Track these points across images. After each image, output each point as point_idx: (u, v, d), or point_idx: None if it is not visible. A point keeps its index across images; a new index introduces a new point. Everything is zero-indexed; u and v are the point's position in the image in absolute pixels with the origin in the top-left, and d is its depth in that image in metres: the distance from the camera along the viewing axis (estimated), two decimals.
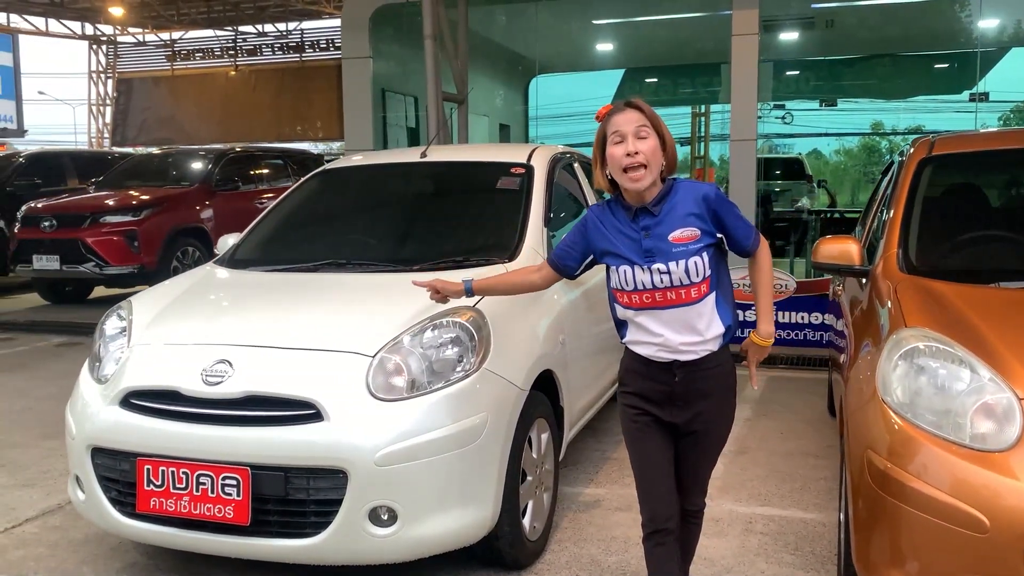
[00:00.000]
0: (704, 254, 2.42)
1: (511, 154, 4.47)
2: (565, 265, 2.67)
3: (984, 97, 12.66)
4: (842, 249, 3.50)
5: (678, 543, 2.62)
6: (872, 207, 4.86)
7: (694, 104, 14.39)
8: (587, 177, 4.93)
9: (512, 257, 3.70)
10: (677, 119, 15.53)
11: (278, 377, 2.96)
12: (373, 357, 2.98)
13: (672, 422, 2.54)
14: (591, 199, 4.81)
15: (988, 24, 10.81)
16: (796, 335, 6.97)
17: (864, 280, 3.49)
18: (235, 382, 2.96)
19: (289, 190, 4.60)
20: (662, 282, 2.41)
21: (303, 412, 2.89)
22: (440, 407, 2.92)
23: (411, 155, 4.63)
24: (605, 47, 13.14)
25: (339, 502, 2.83)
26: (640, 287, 2.44)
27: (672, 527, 2.56)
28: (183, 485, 2.93)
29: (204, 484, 2.90)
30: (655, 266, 2.40)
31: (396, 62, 10.11)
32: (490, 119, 12.66)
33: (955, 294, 2.88)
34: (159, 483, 2.95)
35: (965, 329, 2.63)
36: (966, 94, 12.37)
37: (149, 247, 9.41)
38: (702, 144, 15.82)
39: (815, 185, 15.57)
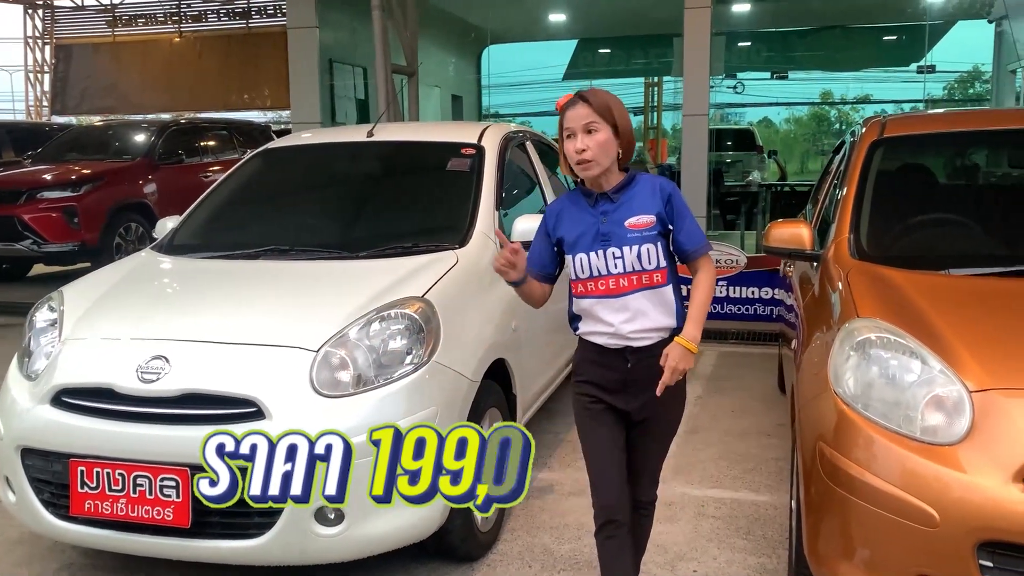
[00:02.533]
0: (658, 243, 2.46)
1: (461, 133, 4.35)
2: (546, 272, 2.61)
3: (931, 69, 12.82)
4: (793, 233, 3.47)
5: (630, 535, 2.60)
6: (823, 185, 4.86)
7: (647, 76, 14.31)
8: (539, 155, 4.85)
9: (463, 242, 3.61)
10: (631, 89, 15.47)
11: (217, 374, 2.85)
12: (317, 352, 2.88)
13: (625, 409, 2.55)
14: (543, 178, 4.73)
15: None
16: (746, 310, 7.00)
17: (815, 263, 3.47)
18: (172, 379, 2.84)
19: (230, 170, 4.44)
20: (616, 267, 2.45)
21: (244, 410, 2.78)
22: (388, 402, 2.84)
23: (357, 134, 4.49)
24: (558, 17, 12.97)
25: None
26: (596, 273, 2.47)
27: (624, 519, 2.56)
28: (119, 487, 2.81)
29: (142, 486, 2.79)
30: (610, 250, 2.45)
31: (344, 31, 9.85)
32: (442, 90, 12.46)
33: (906, 282, 2.86)
34: (94, 485, 2.83)
35: (916, 319, 2.61)
36: (914, 66, 12.52)
37: (90, 223, 9.10)
38: (655, 114, 15.80)
39: (765, 156, 15.66)
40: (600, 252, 2.45)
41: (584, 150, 2.40)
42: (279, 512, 2.75)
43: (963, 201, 3.48)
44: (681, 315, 2.52)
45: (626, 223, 2.44)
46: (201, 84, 22.52)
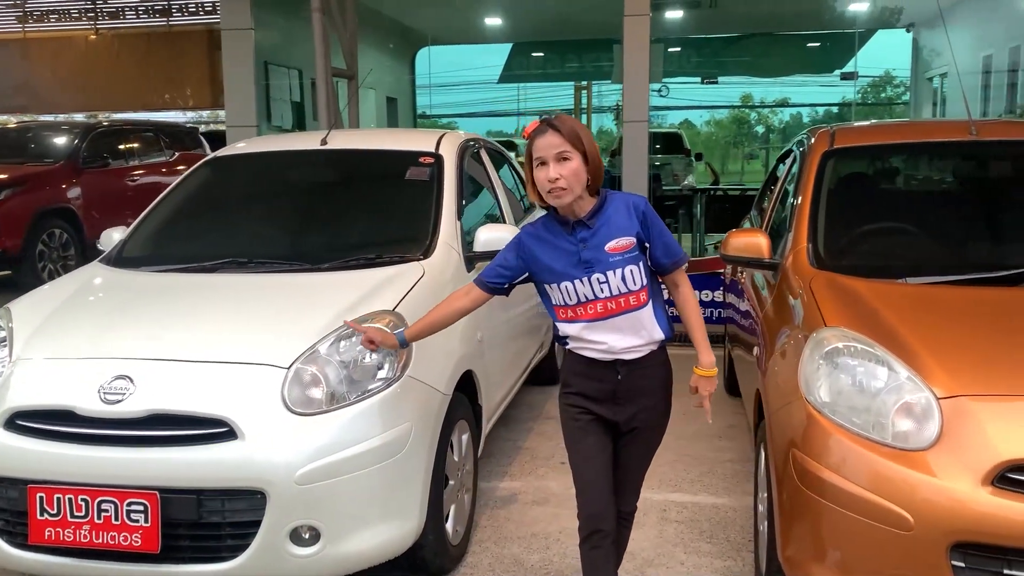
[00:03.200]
0: (640, 263, 2.48)
1: (417, 142, 4.32)
2: (497, 286, 2.64)
3: (853, 76, 13.28)
4: (752, 242, 3.55)
5: (614, 545, 2.64)
6: (770, 193, 4.98)
7: (581, 80, 14.44)
8: (494, 165, 4.85)
9: (427, 253, 3.58)
10: (564, 92, 15.61)
11: (185, 393, 2.76)
12: (288, 369, 2.83)
13: (614, 420, 2.59)
14: (499, 189, 4.73)
15: (858, 7, 11.27)
16: None
17: (773, 272, 3.56)
18: (137, 400, 2.75)
19: (178, 179, 4.30)
20: (602, 292, 2.46)
21: (215, 430, 2.71)
22: (362, 419, 2.80)
23: (310, 141, 4.41)
24: (492, 21, 12.99)
25: (258, 523, 2.68)
26: (583, 299, 2.48)
27: (610, 529, 2.59)
28: (83, 513, 2.70)
29: (107, 511, 2.69)
30: (594, 276, 2.45)
31: (279, 33, 9.67)
32: (377, 92, 12.34)
33: (867, 291, 2.96)
34: (55, 512, 2.72)
35: (881, 327, 2.71)
36: (838, 72, 12.94)
37: (11, 230, 8.71)
38: (584, 117, 15.95)
39: (693, 159, 15.98)
40: (585, 279, 2.45)
41: (557, 179, 2.38)
42: (253, 534, 2.69)
43: (913, 211, 3.61)
44: (667, 325, 2.56)
45: (607, 248, 2.44)
46: (119, 83, 21.76)
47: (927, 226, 3.46)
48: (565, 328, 2.55)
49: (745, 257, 3.57)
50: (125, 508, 2.68)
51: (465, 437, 3.44)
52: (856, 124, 4.48)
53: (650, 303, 2.50)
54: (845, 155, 3.80)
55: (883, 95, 16.69)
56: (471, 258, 3.79)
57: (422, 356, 3.04)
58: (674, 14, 10.58)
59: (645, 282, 2.48)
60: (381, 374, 2.91)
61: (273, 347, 2.89)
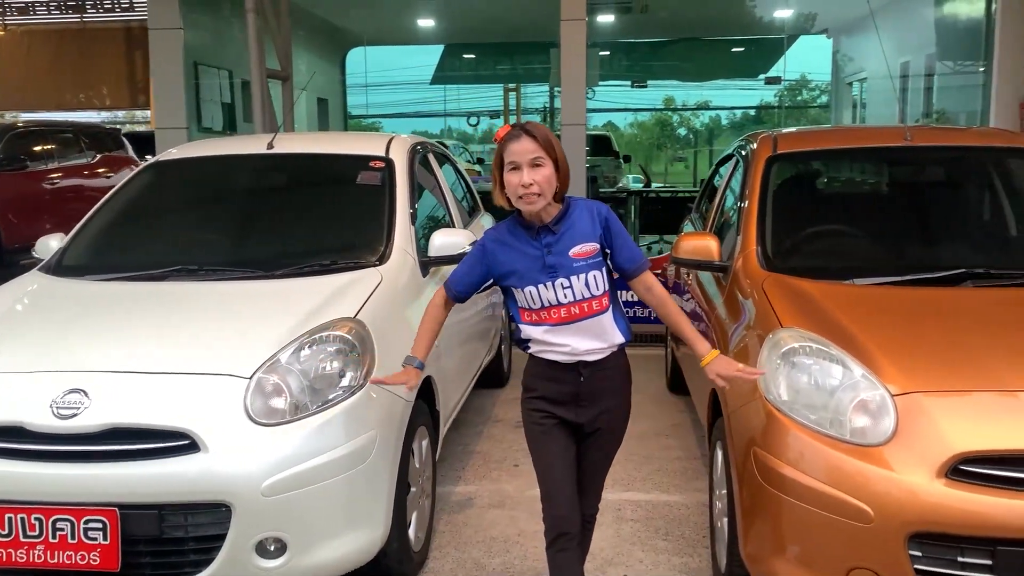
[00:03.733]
0: (602, 269, 2.54)
1: (366, 145, 4.29)
2: (464, 294, 2.67)
3: (777, 80, 13.68)
4: (703, 245, 3.64)
5: (580, 548, 2.67)
6: (711, 197, 5.10)
7: (514, 82, 14.51)
8: (441, 168, 4.84)
9: (383, 259, 3.56)
10: (494, 93, 15.66)
11: (144, 406, 2.69)
12: (250, 379, 2.78)
13: (577, 422, 2.62)
14: (447, 194, 4.73)
15: (782, 14, 11.62)
16: (629, 313, 7.24)
17: (723, 274, 3.65)
18: (93, 414, 2.66)
19: (119, 185, 4.18)
20: (566, 297, 2.50)
21: (176, 443, 2.64)
22: (328, 428, 2.77)
23: (256, 145, 4.33)
24: (423, 22, 12.94)
25: (222, 537, 2.63)
26: (547, 304, 2.51)
27: (576, 531, 2.62)
28: (36, 532, 2.61)
29: (62, 530, 2.60)
30: (558, 281, 2.49)
31: (209, 33, 9.45)
32: (307, 93, 12.16)
33: (818, 292, 3.07)
34: (6, 532, 2.62)
35: (834, 327, 2.81)
36: (762, 77, 13.31)
37: None
38: (513, 118, 16.02)
39: (621, 161, 16.20)
40: (549, 284, 2.49)
41: (531, 184, 2.41)
42: (217, 548, 2.64)
43: (855, 214, 3.76)
44: (626, 329, 2.61)
45: (571, 253, 2.48)
46: (30, 82, 20.86)
47: (869, 229, 3.60)
48: (529, 331, 2.57)
49: (696, 260, 3.65)
50: (82, 526, 2.60)
51: (425, 443, 3.44)
52: (797, 130, 4.63)
53: (611, 308, 2.55)
54: (788, 160, 3.93)
55: (799, 98, 17.18)
56: (426, 263, 3.79)
57: (385, 364, 3.02)
58: (606, 18, 10.73)
59: (607, 287, 2.54)
60: (344, 382, 2.89)
61: (233, 357, 2.84)
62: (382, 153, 4.11)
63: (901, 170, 3.94)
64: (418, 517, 3.32)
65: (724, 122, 19.05)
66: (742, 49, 13.54)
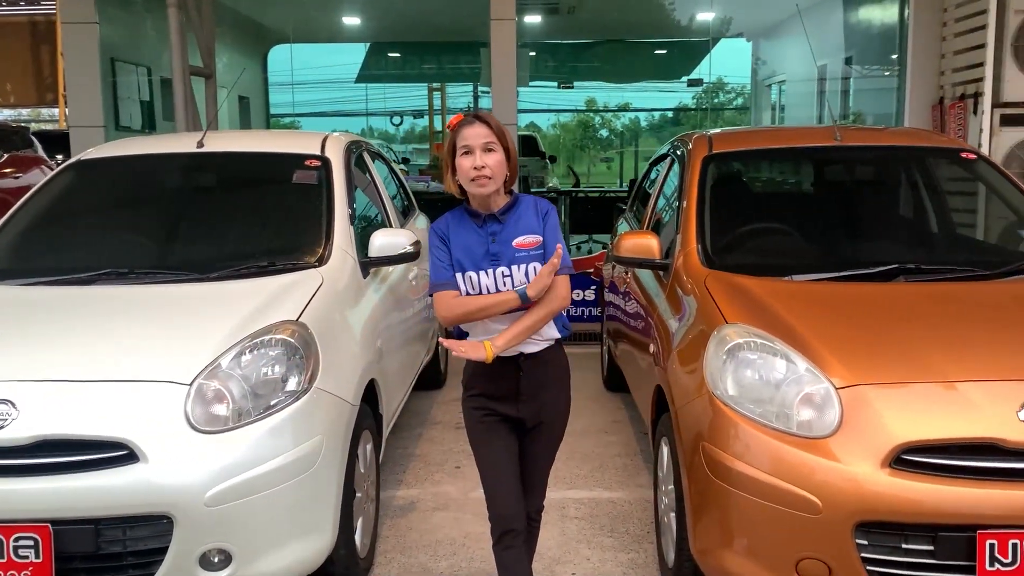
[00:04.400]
0: (543, 263, 2.54)
1: (301, 144, 4.19)
2: (453, 280, 2.58)
3: (699, 83, 13.94)
4: (643, 243, 3.67)
5: (526, 544, 2.67)
6: (645, 197, 5.16)
7: (440, 81, 14.44)
8: (375, 167, 4.77)
9: (323, 260, 3.48)
10: (415, 94, 15.54)
11: (79, 416, 2.57)
12: (190, 385, 2.68)
13: (519, 417, 2.63)
14: (383, 193, 4.67)
15: (705, 17, 11.86)
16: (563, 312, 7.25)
17: (664, 272, 3.69)
18: (22, 425, 2.53)
19: (38, 185, 3.98)
20: (504, 285, 2.52)
21: (113, 454, 2.53)
22: (273, 435, 2.69)
23: (185, 143, 4.19)
24: (348, 20, 12.76)
25: (164, 551, 2.53)
26: (484, 291, 2.53)
27: (521, 528, 2.62)
28: None
29: None
30: (499, 269, 2.52)
31: (126, 28, 9.11)
32: (228, 91, 11.85)
33: (759, 289, 3.13)
34: None
35: (777, 323, 2.86)
36: (685, 79, 13.55)
37: None
38: (439, 119, 15.93)
39: (547, 161, 16.29)
40: (490, 271, 2.52)
41: (483, 167, 2.45)
42: (158, 562, 2.54)
43: (790, 212, 3.85)
44: (563, 325, 2.66)
45: (514, 243, 2.52)
46: None
47: (804, 227, 3.69)
48: (467, 324, 2.58)
49: (637, 258, 3.68)
50: (12, 544, 2.46)
51: (369, 447, 3.38)
52: (730, 130, 4.72)
53: None
54: (724, 159, 3.99)
55: (716, 100, 17.54)
56: (366, 264, 3.72)
57: (329, 367, 2.96)
58: (533, 19, 10.77)
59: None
60: (288, 387, 2.81)
61: (172, 363, 2.73)
62: (317, 151, 4.03)
63: (833, 169, 4.05)
64: (364, 523, 3.26)
65: (644, 124, 19.34)
66: (665, 52, 13.77)
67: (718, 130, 4.44)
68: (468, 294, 2.54)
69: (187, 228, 3.79)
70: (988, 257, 3.66)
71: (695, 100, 16.24)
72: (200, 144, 4.05)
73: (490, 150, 2.47)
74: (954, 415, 2.48)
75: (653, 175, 5.22)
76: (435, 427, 5.04)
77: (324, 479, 2.82)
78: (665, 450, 3.24)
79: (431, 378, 5.50)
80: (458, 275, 2.54)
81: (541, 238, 2.54)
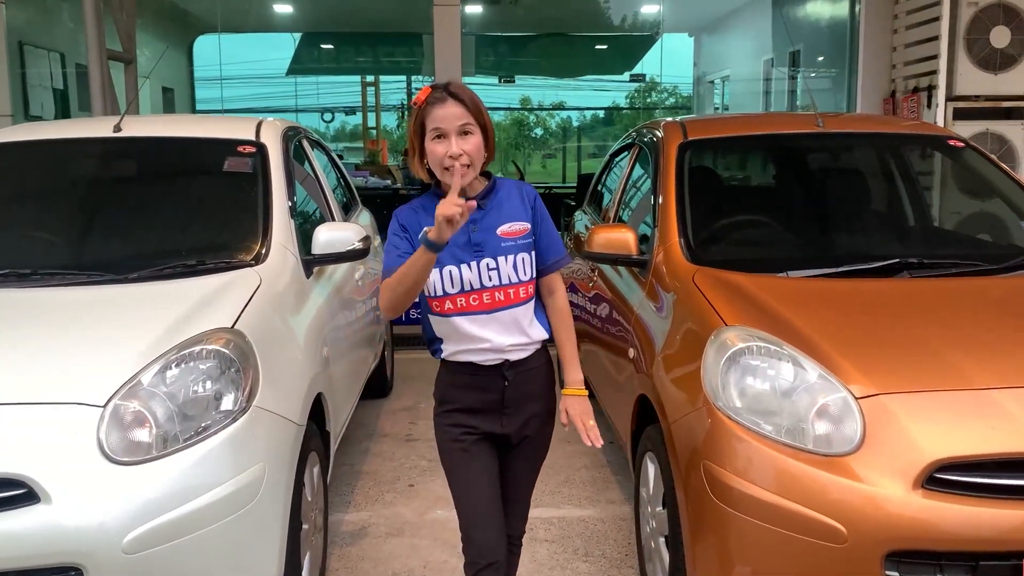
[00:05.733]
0: (531, 253, 2.24)
1: (232, 129, 3.74)
2: None
3: (641, 78, 13.76)
4: (618, 238, 3.34)
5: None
6: (603, 191, 4.84)
7: (378, 73, 13.93)
8: (315, 156, 4.35)
9: (260, 258, 3.06)
10: (349, 88, 15.02)
11: None
12: (104, 407, 2.25)
13: (502, 433, 2.29)
14: (325, 184, 4.24)
15: (649, 10, 11.66)
16: None
17: (640, 269, 3.37)
18: None
19: None
20: (490, 279, 2.18)
21: (9, 493, 2.09)
22: (205, 464, 2.28)
23: (100, 128, 3.70)
24: (281, 7, 12.19)
25: None
26: (467, 288, 2.18)
27: (502, 559, 2.28)
28: None
29: None
30: (484, 261, 2.18)
31: (36, 10, 8.44)
32: (151, 81, 11.18)
33: (754, 286, 2.82)
34: None
35: (780, 324, 2.56)
36: (627, 75, 13.35)
37: None
38: (373, 115, 15.43)
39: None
40: (473, 264, 2.16)
41: (461, 155, 2.08)
42: None
43: (776, 203, 3.56)
44: (547, 324, 2.30)
45: (498, 231, 2.18)
46: None
47: (792, 218, 3.42)
48: (441, 325, 2.22)
49: (611, 254, 3.35)
50: None
51: (316, 469, 2.97)
52: (703, 116, 4.43)
53: (533, 299, 2.26)
54: (700, 147, 3.69)
55: (650, 99, 17.40)
56: (309, 262, 3.31)
57: (271, 382, 2.54)
58: (474, 9, 10.41)
59: (533, 275, 2.24)
60: (222, 406, 2.39)
61: (82, 381, 2.29)
62: (251, 137, 3.59)
63: (817, 157, 3.78)
64: (311, 557, 2.85)
65: (586, 120, 19.13)
66: (606, 47, 13.55)
67: (689, 116, 4.13)
68: (446, 293, 2.16)
69: (102, 223, 3.30)
70: (990, 250, 3.42)
71: (637, 96, 16.09)
72: (117, 128, 3.57)
73: (467, 133, 2.10)
74: (991, 427, 2.20)
75: (612, 169, 4.91)
76: (383, 440, 4.64)
77: (267, 514, 2.41)
78: (651, 467, 2.91)
79: (377, 386, 5.08)
80: (435, 271, 2.15)
81: (528, 225, 2.21)
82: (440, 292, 2.17)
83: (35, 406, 2.22)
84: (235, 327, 2.56)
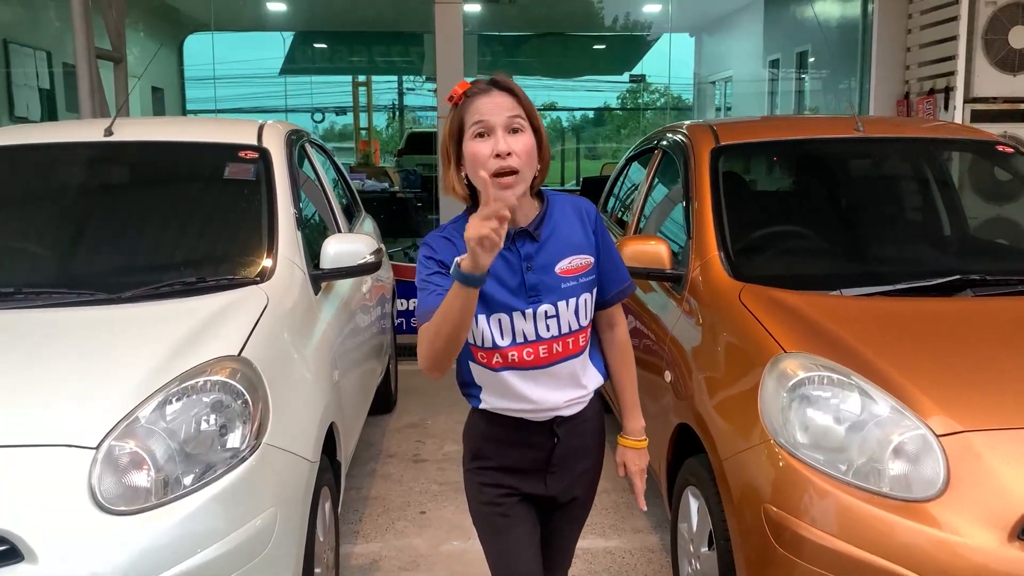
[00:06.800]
0: (593, 291, 1.86)
1: (233, 132, 3.48)
2: None
3: (641, 79, 13.54)
4: (650, 250, 3.09)
5: None
6: (624, 197, 4.62)
7: (372, 73, 13.66)
8: (320, 162, 4.10)
9: (266, 274, 2.80)
10: (339, 89, 14.77)
11: None
12: (96, 449, 1.99)
13: (547, 495, 1.97)
14: (329, 191, 3.99)
15: (651, 9, 11.44)
16: None
17: (675, 284, 3.13)
18: None
19: None
20: (548, 329, 1.81)
21: None
22: (211, 511, 2.03)
23: (89, 131, 3.44)
24: (274, 6, 11.91)
25: None
26: (520, 340, 1.80)
27: None
28: None
29: None
30: (541, 308, 1.79)
31: (22, 7, 8.14)
32: (140, 81, 10.89)
33: (808, 306, 2.58)
34: None
35: (844, 351, 2.33)
36: (627, 75, 13.13)
37: None
38: (365, 115, 15.15)
39: None
40: (528, 312, 1.78)
41: (509, 153, 1.68)
42: None
43: (821, 213, 3.31)
44: (603, 364, 1.98)
45: (557, 269, 1.80)
46: None
47: (836, 229, 3.18)
48: (485, 377, 1.87)
49: (643, 268, 3.10)
50: None
51: (327, 505, 2.72)
52: (731, 119, 4.19)
53: (591, 341, 1.93)
54: (734, 152, 3.45)
55: (641, 101, 17.17)
56: (317, 277, 3.06)
57: (282, 415, 2.29)
58: (473, 8, 10.16)
59: (592, 315, 1.89)
60: (229, 444, 2.14)
61: (71, 419, 2.04)
62: (254, 141, 3.34)
63: (860, 163, 3.54)
64: None
65: (565, 123, 18.93)
66: (603, 47, 13.32)
67: (716, 120, 3.89)
68: (496, 346, 1.79)
69: (92, 235, 3.03)
70: None
71: (629, 97, 15.85)
72: (108, 132, 3.31)
73: (517, 130, 1.71)
74: None
75: (629, 173, 4.68)
76: (390, 461, 4.39)
77: (279, 565, 2.16)
78: (693, 503, 2.68)
79: (381, 401, 4.82)
80: (481, 318, 1.78)
81: (592, 259, 1.84)
82: (489, 344, 1.80)
83: (17, 449, 1.97)
84: (242, 354, 2.31)
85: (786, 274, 2.87)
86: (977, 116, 6.59)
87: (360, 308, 3.73)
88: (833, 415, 2.18)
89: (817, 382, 2.22)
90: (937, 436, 2.07)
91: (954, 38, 6.58)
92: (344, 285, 3.50)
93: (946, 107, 6.76)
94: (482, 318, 1.79)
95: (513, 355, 1.80)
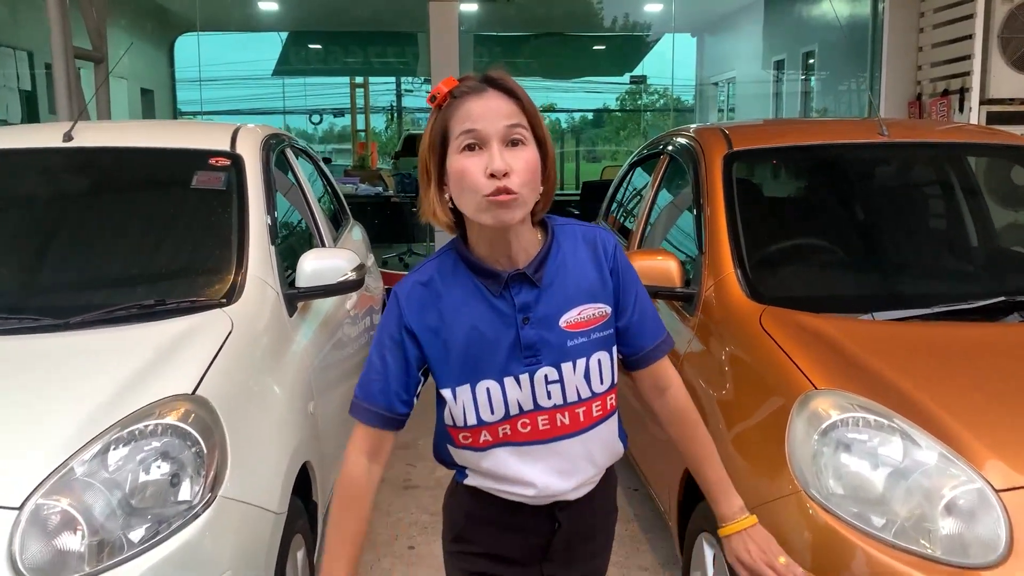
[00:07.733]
0: (613, 348, 1.49)
1: (204, 137, 3.20)
2: (406, 407, 1.49)
3: (642, 80, 13.28)
4: (660, 267, 2.82)
5: None
6: (627, 205, 4.34)
7: (367, 74, 13.40)
8: (303, 169, 3.81)
9: (233, 295, 2.52)
10: (336, 90, 14.54)
11: None
12: (20, 509, 1.71)
13: None
14: (313, 202, 3.70)
15: (652, 8, 11.18)
16: None
17: (685, 304, 2.86)
18: None
19: None
20: (549, 398, 1.44)
21: None
22: None
23: (46, 136, 3.14)
24: (266, 5, 11.65)
25: None
26: (513, 412, 1.44)
27: None
28: None
29: None
30: (540, 372, 1.43)
31: (2, 6, 7.86)
32: (129, 82, 10.63)
33: (838, 333, 2.30)
34: None
35: (883, 387, 2.05)
36: (627, 76, 12.87)
37: None
38: (362, 117, 14.91)
39: None
40: (524, 377, 1.42)
41: (507, 174, 1.31)
42: None
43: (846, 226, 3.03)
44: (623, 431, 1.59)
45: (562, 323, 1.43)
46: None
47: (863, 244, 2.90)
48: (469, 458, 1.51)
49: (650, 286, 2.80)
50: None
51: (300, 554, 2.43)
52: (743, 123, 3.91)
53: (615, 412, 1.53)
54: (749, 159, 3.18)
55: (639, 102, 16.92)
56: (292, 297, 2.78)
57: (242, 461, 2.01)
58: (469, 7, 9.91)
59: (615, 380, 1.50)
60: (180, 497, 1.86)
61: None
62: (226, 147, 3.05)
63: (886, 171, 3.26)
64: None
65: (563, 124, 18.71)
66: (603, 48, 13.07)
67: (727, 123, 3.61)
68: (480, 422, 1.44)
69: (40, 253, 2.73)
70: None
71: (618, 100, 15.64)
72: (68, 137, 3.02)
73: (517, 142, 1.34)
74: None
75: (634, 180, 4.40)
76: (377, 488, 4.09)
77: None
78: (708, 551, 2.39)
79: None
80: (457, 390, 1.43)
81: (609, 309, 1.46)
82: (473, 422, 1.45)
83: None
84: (196, 392, 2.02)
85: (810, 295, 2.59)
86: (993, 118, 6.34)
87: (344, 325, 3.45)
88: (873, 464, 1.90)
89: (853, 424, 1.95)
90: (996, 491, 1.79)
91: (968, 37, 6.34)
92: (325, 302, 3.22)
93: (961, 108, 6.50)
94: (462, 391, 1.43)
95: (505, 429, 1.45)
